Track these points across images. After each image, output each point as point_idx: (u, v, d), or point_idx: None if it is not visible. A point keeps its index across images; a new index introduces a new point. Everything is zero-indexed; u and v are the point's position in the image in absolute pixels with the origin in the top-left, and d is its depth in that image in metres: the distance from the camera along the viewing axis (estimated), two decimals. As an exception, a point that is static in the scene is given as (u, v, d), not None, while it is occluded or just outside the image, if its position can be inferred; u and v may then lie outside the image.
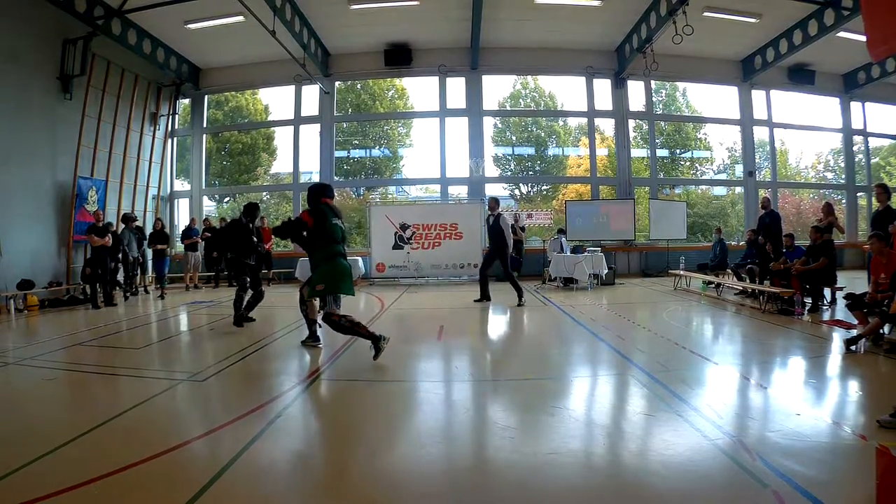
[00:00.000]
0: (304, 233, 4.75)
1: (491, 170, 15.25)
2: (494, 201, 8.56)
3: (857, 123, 15.09)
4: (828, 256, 6.89)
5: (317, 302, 5.01)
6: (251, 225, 6.84)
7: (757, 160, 15.15)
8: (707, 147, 17.20)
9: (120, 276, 10.22)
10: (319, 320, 5.06)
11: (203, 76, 14.19)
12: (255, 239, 6.85)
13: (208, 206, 15.99)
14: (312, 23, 11.90)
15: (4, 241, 8.79)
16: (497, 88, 16.74)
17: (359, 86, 16.00)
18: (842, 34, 11.25)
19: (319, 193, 4.91)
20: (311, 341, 5.33)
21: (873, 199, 7.93)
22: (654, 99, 15.11)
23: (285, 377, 4.38)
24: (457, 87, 14.00)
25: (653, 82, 14.49)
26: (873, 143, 15.82)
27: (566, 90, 16.42)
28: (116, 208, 11.62)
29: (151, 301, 9.81)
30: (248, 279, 6.71)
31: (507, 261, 8.34)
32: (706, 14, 11.24)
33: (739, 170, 15.24)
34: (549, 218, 14.51)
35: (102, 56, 10.87)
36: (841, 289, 7.16)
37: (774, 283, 7.81)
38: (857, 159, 15.28)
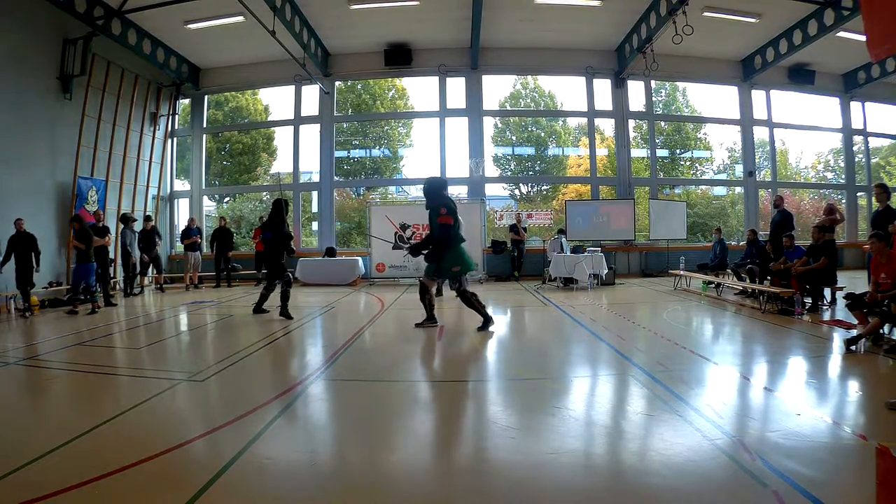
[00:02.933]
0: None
1: (491, 170, 15.26)
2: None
3: (857, 123, 15.08)
4: (829, 256, 6.89)
5: (433, 289, 6.33)
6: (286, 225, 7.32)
7: (757, 160, 15.16)
8: (707, 147, 17.21)
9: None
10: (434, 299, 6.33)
11: (203, 76, 14.20)
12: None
13: (208, 206, 16.00)
14: (312, 23, 11.91)
15: (4, 241, 8.79)
16: (497, 88, 16.78)
17: (359, 86, 16.01)
18: (842, 34, 11.25)
19: (442, 188, 5.88)
20: (430, 323, 6.17)
21: (873, 199, 7.93)
22: (654, 99, 15.11)
23: (285, 377, 4.38)
24: (457, 87, 14.00)
25: (653, 82, 14.49)
26: (873, 142, 15.82)
27: (566, 90, 16.45)
28: (116, 208, 11.63)
29: (151, 301, 9.80)
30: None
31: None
32: (706, 14, 11.24)
33: (739, 170, 15.24)
34: (549, 218, 14.50)
35: (102, 56, 10.87)
36: (841, 289, 7.15)
37: (774, 283, 7.81)
38: (857, 159, 15.27)
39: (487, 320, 5.88)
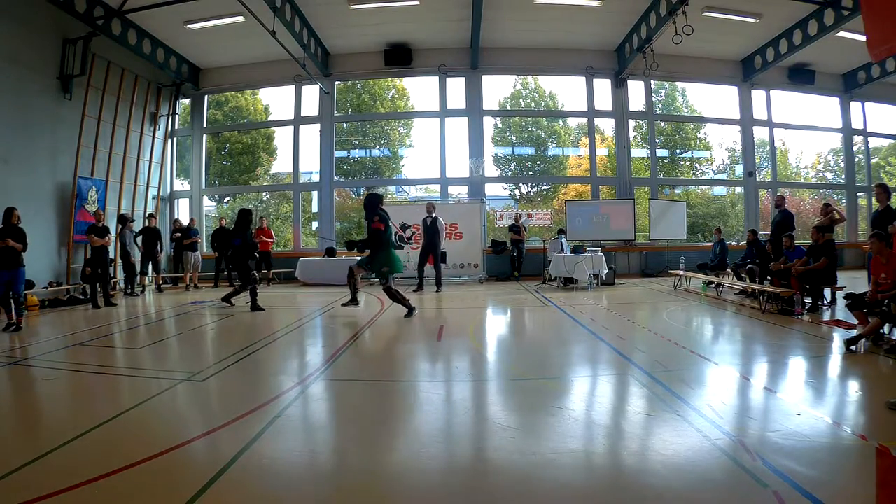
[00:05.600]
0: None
1: (491, 170, 15.26)
2: (431, 206, 10.38)
3: (857, 123, 15.08)
4: (829, 256, 6.88)
5: (359, 276, 7.18)
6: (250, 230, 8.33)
7: (757, 160, 15.15)
8: (707, 147, 17.21)
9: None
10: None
11: (203, 76, 14.19)
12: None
13: (208, 206, 15.99)
14: (312, 23, 11.90)
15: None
16: (497, 88, 16.78)
17: (359, 86, 16.01)
18: (842, 34, 11.25)
19: (377, 202, 7.01)
20: (353, 304, 7.23)
21: (873, 199, 7.93)
22: (654, 99, 15.10)
23: (285, 377, 4.38)
24: (457, 87, 14.00)
25: (653, 82, 14.48)
26: (873, 142, 15.81)
27: (566, 90, 16.44)
28: (116, 208, 11.63)
29: (151, 301, 9.79)
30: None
31: (438, 255, 10.28)
32: (706, 14, 11.23)
33: (739, 170, 15.24)
34: (549, 218, 14.50)
35: (102, 56, 10.86)
36: (841, 289, 7.15)
37: (774, 283, 7.81)
38: (857, 159, 15.27)
39: (410, 310, 6.91)
